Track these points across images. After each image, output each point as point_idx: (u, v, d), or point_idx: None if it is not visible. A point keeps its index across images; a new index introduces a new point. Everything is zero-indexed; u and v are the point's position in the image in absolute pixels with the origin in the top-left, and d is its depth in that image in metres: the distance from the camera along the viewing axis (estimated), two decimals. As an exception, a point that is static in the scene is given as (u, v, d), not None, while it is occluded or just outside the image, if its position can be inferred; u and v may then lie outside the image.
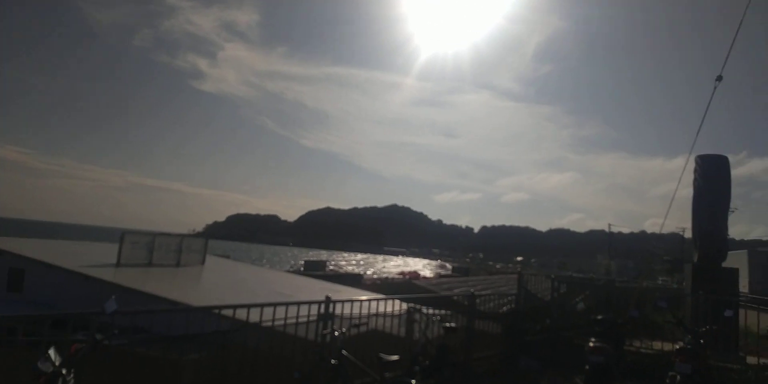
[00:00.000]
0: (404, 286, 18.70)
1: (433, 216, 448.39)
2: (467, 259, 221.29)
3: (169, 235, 18.45)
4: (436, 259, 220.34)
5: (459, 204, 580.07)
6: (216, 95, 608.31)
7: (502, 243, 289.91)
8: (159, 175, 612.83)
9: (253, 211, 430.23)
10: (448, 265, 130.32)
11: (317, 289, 15.49)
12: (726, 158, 9.55)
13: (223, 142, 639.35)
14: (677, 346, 6.43)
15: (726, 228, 9.43)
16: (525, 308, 9.22)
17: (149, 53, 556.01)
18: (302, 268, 40.32)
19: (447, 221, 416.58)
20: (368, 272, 64.38)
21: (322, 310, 5.22)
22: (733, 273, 9.33)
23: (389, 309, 6.13)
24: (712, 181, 9.35)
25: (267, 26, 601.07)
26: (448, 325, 6.18)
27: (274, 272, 21.30)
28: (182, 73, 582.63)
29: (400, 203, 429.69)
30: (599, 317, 7.16)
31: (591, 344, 6.18)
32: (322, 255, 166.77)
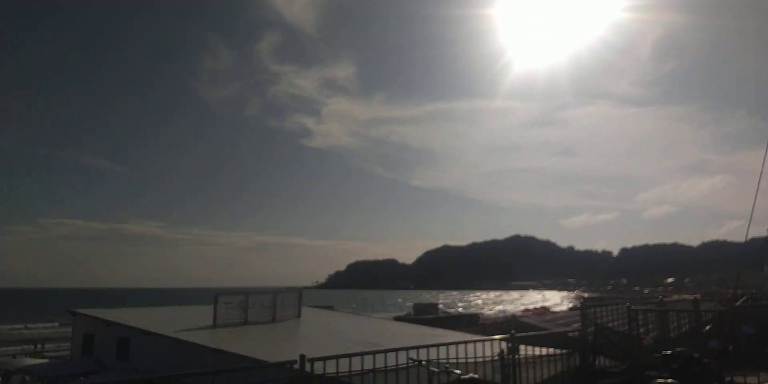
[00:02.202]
0: (508, 324, 16.72)
1: (563, 243, 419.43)
2: (608, 287, 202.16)
3: (262, 292, 18.62)
4: (572, 290, 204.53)
5: (593, 227, 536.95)
6: (324, 150, 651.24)
7: (648, 265, 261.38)
8: (280, 233, 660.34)
9: (371, 258, 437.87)
10: (586, 295, 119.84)
11: (412, 336, 14.35)
12: None
13: (336, 193, 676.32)
14: None
15: None
16: (596, 346, 7.36)
17: (260, 120, 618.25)
18: (412, 313, 39.00)
19: (579, 247, 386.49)
20: (490, 311, 60.67)
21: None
22: None
23: (400, 361, 4.96)
24: None
25: (364, 76, 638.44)
26: (467, 376, 4.87)
27: (372, 321, 20.48)
28: (292, 133, 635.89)
29: (522, 233, 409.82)
30: (668, 352, 5.86)
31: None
32: (452, 295, 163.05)
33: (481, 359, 6.04)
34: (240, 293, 17.70)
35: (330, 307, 32.01)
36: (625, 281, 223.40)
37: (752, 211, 8.05)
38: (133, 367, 13.87)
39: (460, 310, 58.98)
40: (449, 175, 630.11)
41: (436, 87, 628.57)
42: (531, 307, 64.41)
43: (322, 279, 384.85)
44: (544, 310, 51.70)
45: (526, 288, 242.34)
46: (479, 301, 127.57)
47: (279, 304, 17.67)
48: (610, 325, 8.03)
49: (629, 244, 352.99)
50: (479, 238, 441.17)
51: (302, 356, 4.45)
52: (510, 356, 6.01)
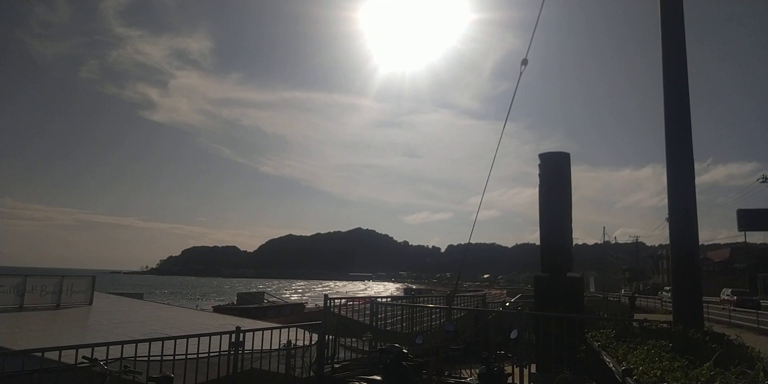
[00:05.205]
0: (319, 314, 17.42)
1: (400, 238, 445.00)
2: (434, 280, 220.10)
3: (46, 275, 16.81)
4: (403, 282, 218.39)
5: (431, 225, 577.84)
6: (168, 125, 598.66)
7: (470, 261, 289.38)
8: (111, 212, 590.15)
9: (210, 244, 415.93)
10: (414, 287, 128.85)
11: (213, 326, 14.18)
12: (567, 155, 8.99)
13: (177, 173, 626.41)
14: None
15: (569, 231, 8.73)
16: (331, 338, 8.22)
17: (96, 85, 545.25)
18: (235, 302, 38.28)
19: (414, 242, 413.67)
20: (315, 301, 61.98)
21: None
22: (575, 283, 8.51)
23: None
24: (551, 180, 8.83)
25: (220, 53, 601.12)
26: (160, 375, 4.93)
27: (175, 311, 19.65)
28: (132, 103, 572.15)
29: (364, 226, 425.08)
30: (383, 347, 6.03)
31: (352, 381, 5.30)
32: (300, 285, 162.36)
33: (210, 354, 6.16)
34: (18, 275, 15.77)
35: (140, 296, 29.89)
36: (449, 275, 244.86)
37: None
38: None
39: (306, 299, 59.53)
40: (300, 164, 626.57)
41: (295, 76, 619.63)
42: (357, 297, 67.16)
43: (153, 264, 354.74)
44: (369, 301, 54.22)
45: (362, 279, 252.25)
46: (327, 291, 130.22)
47: (66, 289, 16.11)
48: (357, 317, 8.82)
49: (455, 242, 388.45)
50: (323, 229, 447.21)
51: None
52: (233, 350, 6.27)
